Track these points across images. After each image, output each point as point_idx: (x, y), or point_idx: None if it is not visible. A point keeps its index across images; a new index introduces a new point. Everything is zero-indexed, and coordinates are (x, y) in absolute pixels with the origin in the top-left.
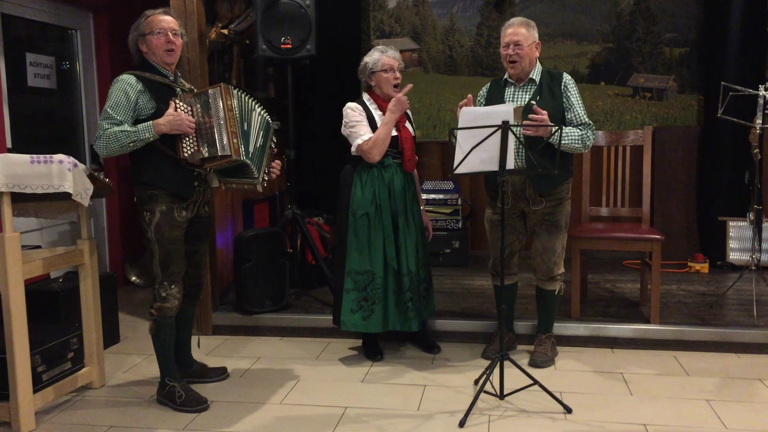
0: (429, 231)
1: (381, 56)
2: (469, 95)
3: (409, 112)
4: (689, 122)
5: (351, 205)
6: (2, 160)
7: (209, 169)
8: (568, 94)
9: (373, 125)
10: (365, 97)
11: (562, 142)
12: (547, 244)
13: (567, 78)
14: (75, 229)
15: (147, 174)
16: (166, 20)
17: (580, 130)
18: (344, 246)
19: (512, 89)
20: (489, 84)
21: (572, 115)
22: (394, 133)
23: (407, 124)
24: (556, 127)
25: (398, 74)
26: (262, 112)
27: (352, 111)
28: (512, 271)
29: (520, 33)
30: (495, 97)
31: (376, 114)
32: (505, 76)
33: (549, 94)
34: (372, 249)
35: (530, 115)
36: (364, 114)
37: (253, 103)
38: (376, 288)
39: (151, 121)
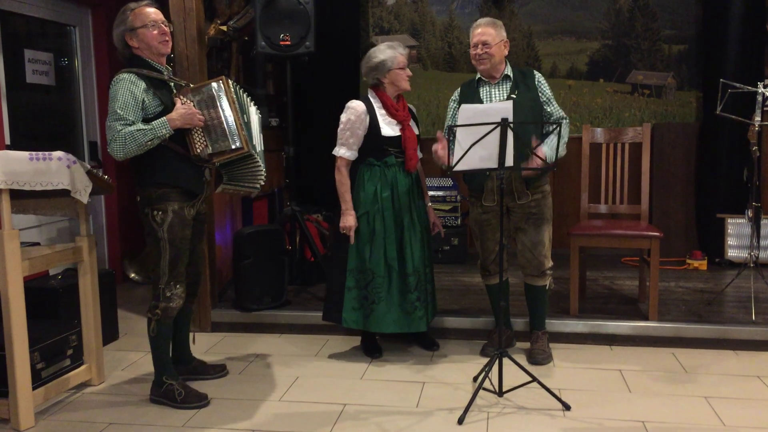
0: (438, 226)
1: (395, 53)
2: (439, 132)
3: (414, 110)
4: (688, 119)
5: (354, 203)
6: (1, 158)
7: (216, 163)
8: (543, 88)
9: (374, 125)
10: (370, 94)
11: (560, 152)
12: (535, 239)
13: (538, 75)
14: (74, 226)
15: (159, 173)
16: (155, 12)
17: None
18: (345, 243)
19: (487, 88)
20: (460, 87)
21: (551, 108)
22: (398, 132)
23: (411, 123)
24: (556, 125)
25: (409, 70)
26: (257, 112)
27: (348, 113)
28: (503, 268)
29: (487, 33)
30: (469, 98)
31: (380, 113)
32: (478, 76)
33: (525, 89)
34: (373, 248)
35: (532, 160)
36: (362, 120)
37: (249, 99)
38: (376, 287)
39: (164, 117)
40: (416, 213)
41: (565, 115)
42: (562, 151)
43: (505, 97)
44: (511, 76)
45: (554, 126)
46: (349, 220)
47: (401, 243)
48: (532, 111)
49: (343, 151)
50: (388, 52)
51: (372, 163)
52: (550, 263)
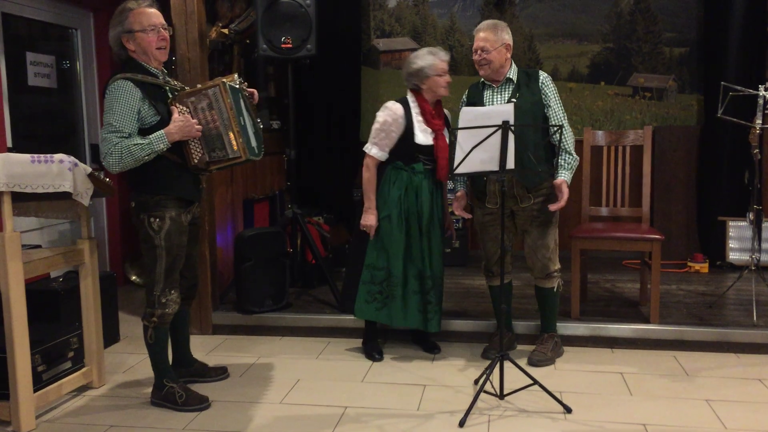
0: (451, 229)
1: (435, 60)
2: (461, 191)
3: (449, 116)
4: (689, 122)
5: (377, 203)
6: (3, 160)
7: (213, 170)
8: (546, 91)
9: (409, 130)
10: (410, 98)
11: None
12: (539, 241)
13: (544, 76)
14: (75, 229)
15: (155, 182)
16: (155, 14)
17: (568, 155)
18: (365, 240)
19: (490, 91)
20: (468, 89)
21: (551, 112)
22: (431, 142)
23: (445, 132)
24: (557, 127)
25: (448, 76)
26: (243, 86)
27: (386, 114)
28: (506, 270)
29: (486, 38)
30: (474, 101)
31: (416, 120)
32: (482, 79)
33: (527, 92)
34: (392, 249)
35: (560, 195)
36: (399, 124)
37: (238, 84)
38: (391, 285)
39: (162, 131)
40: (437, 219)
41: (565, 124)
42: (575, 162)
43: (506, 101)
44: (514, 79)
45: (554, 129)
46: (370, 218)
47: (420, 247)
48: (533, 115)
49: (375, 151)
50: (428, 58)
51: (400, 167)
52: (556, 266)
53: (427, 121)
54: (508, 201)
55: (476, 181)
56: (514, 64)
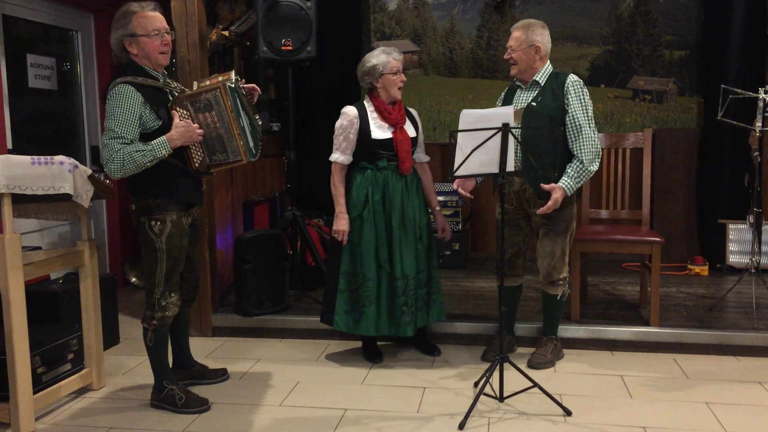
0: (446, 231)
1: (389, 58)
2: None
3: (415, 114)
4: (689, 125)
5: (347, 206)
6: (3, 161)
7: (214, 173)
8: (569, 96)
9: (365, 128)
10: (365, 99)
11: (576, 183)
12: (546, 248)
13: (571, 80)
14: (75, 230)
15: (156, 187)
16: (159, 18)
17: (578, 164)
18: (339, 246)
19: (519, 92)
20: (507, 87)
21: (568, 118)
22: (389, 135)
23: (408, 127)
24: (554, 132)
25: (403, 76)
26: (240, 84)
27: (342, 119)
28: (516, 273)
29: (516, 38)
30: (508, 100)
31: (371, 117)
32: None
33: (551, 96)
34: (364, 251)
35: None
36: (353, 124)
37: (234, 83)
38: (366, 290)
39: (164, 137)
40: (409, 217)
41: (586, 131)
42: (582, 179)
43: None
44: (541, 82)
45: (554, 135)
46: (341, 223)
47: (391, 246)
48: (550, 121)
49: (337, 156)
50: (381, 56)
51: (364, 166)
52: (561, 274)
53: (383, 117)
54: (523, 203)
55: (494, 180)
56: (549, 66)
